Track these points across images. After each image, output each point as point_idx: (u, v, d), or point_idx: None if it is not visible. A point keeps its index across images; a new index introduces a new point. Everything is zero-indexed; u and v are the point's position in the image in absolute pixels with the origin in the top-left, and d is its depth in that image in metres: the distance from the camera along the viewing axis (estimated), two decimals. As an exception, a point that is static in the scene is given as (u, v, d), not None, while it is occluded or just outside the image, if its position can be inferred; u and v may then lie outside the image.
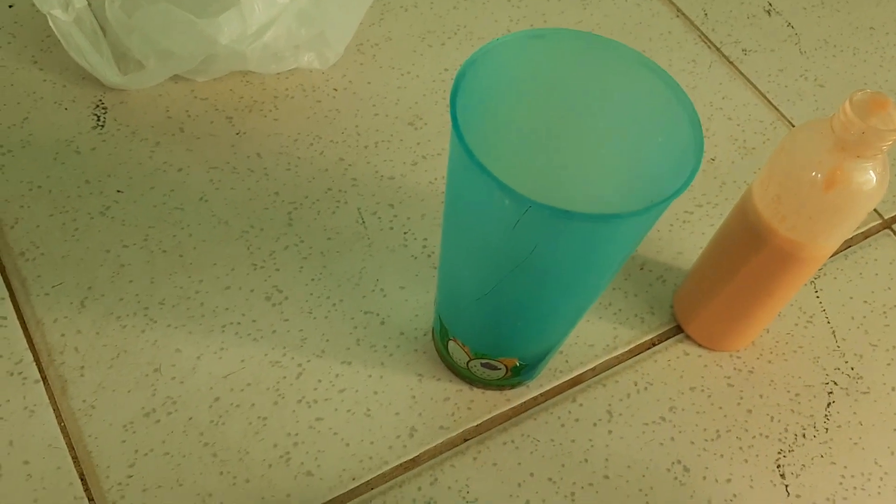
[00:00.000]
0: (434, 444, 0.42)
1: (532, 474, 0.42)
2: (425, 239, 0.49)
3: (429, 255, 0.48)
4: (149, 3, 0.49)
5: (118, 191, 0.48)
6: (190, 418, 0.42)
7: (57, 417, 0.41)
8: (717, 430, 0.45)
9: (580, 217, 0.30)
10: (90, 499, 0.39)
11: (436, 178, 0.52)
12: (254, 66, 0.52)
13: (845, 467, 0.44)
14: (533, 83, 0.36)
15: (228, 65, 0.52)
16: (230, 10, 0.49)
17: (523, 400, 0.44)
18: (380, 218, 0.50)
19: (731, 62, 0.62)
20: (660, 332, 0.48)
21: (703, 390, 0.46)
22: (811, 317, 0.50)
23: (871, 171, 0.38)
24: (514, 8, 0.62)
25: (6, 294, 0.44)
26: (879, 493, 0.44)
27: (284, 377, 0.43)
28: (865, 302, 0.51)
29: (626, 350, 0.47)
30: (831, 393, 0.47)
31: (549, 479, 0.42)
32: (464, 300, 0.40)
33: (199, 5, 0.49)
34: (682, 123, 0.34)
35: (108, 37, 0.52)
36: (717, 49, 0.62)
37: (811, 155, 0.38)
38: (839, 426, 0.46)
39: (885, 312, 0.51)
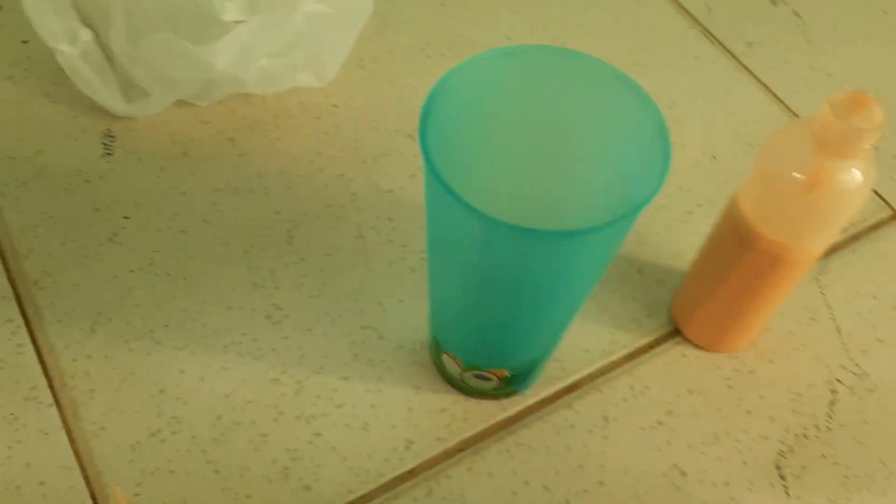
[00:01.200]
0: (430, 456, 0.43)
1: (527, 482, 0.42)
2: (422, 251, 0.50)
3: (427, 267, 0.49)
4: (151, 34, 0.51)
5: (125, 217, 0.50)
6: (193, 437, 0.43)
7: (69, 439, 0.43)
8: (715, 433, 0.45)
9: (544, 235, 0.31)
10: (100, 517, 0.41)
11: (434, 190, 0.52)
12: (252, 88, 0.53)
13: (849, 467, 0.44)
14: (507, 101, 0.36)
15: (227, 88, 0.53)
16: (225, 37, 0.50)
17: (518, 409, 0.45)
18: (378, 232, 0.51)
19: (734, 56, 0.61)
20: (657, 335, 0.48)
21: (700, 393, 0.46)
22: (815, 314, 0.49)
23: (854, 171, 0.37)
24: (514, 14, 0.62)
25: (22, 322, 0.46)
26: (885, 493, 0.43)
27: (284, 394, 0.45)
28: (873, 297, 0.50)
29: (623, 355, 0.47)
30: (835, 391, 0.46)
31: (544, 487, 0.42)
32: (450, 315, 0.40)
33: (197, 33, 0.50)
34: (652, 135, 0.34)
35: (115, 67, 0.54)
36: (720, 44, 0.62)
37: (793, 156, 0.38)
38: (843, 425, 0.45)
39: (894, 306, 0.50)
